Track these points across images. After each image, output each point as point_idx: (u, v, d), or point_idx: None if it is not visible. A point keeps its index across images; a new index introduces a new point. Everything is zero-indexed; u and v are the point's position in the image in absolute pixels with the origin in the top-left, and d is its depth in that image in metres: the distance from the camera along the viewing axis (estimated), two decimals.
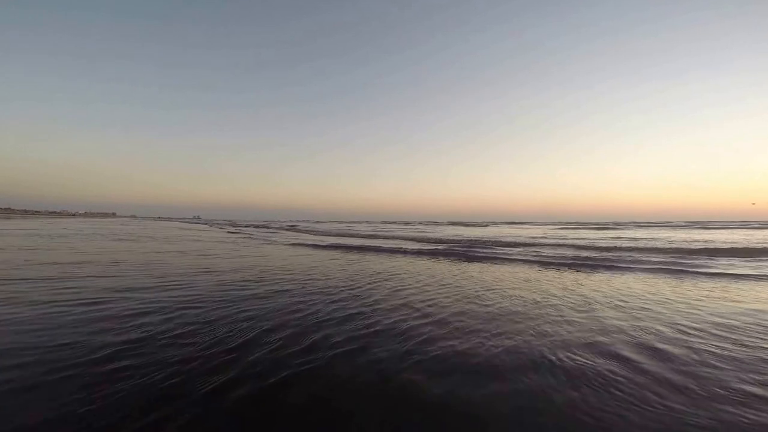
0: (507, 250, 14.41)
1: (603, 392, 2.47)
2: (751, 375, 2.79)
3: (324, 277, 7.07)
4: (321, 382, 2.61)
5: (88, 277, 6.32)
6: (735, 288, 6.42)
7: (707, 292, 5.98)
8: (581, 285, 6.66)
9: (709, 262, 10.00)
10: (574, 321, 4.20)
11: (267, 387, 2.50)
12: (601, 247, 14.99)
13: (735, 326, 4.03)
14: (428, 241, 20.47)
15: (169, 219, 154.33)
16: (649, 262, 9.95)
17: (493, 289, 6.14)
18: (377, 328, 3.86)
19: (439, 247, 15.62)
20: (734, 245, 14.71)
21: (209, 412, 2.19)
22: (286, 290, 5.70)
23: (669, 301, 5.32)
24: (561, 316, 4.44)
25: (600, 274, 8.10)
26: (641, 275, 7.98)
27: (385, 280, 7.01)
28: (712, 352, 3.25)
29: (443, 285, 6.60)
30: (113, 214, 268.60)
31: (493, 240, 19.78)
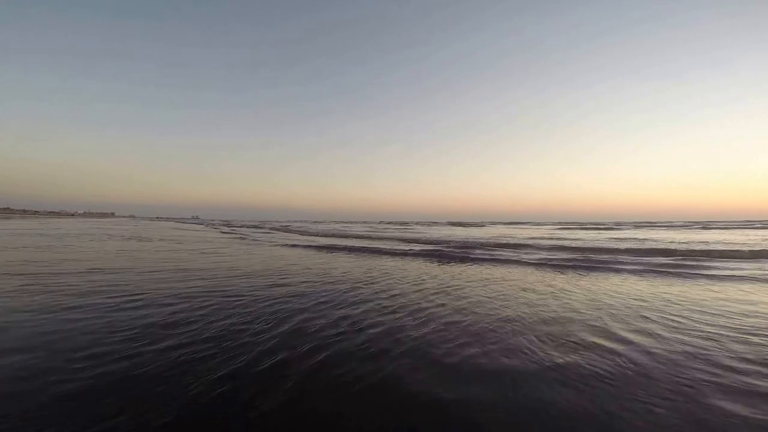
0: (491, 251, 14.01)
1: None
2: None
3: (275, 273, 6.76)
4: None
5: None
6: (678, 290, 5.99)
7: (668, 293, 5.56)
8: (534, 286, 6.25)
9: (685, 262, 9.61)
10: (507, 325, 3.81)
11: None
12: (585, 248, 14.57)
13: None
14: (409, 241, 20.10)
15: (168, 219, 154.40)
16: (640, 264, 9.55)
17: (449, 288, 5.76)
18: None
19: (415, 248, 15.24)
20: (708, 247, 14.27)
21: None
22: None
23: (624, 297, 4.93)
24: (507, 318, 4.03)
25: (565, 275, 7.70)
26: (626, 277, 7.57)
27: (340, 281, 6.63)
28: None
29: (393, 282, 6.26)
30: (112, 214, 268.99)
31: (482, 241, 19.41)
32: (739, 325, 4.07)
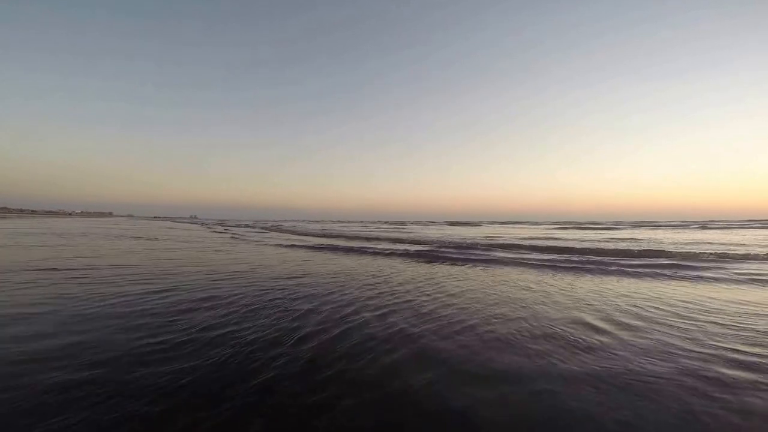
0: (472, 251, 13.92)
1: None
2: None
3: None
4: None
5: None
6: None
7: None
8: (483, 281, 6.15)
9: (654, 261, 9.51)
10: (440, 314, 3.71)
11: None
12: (563, 247, 14.47)
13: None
14: (394, 240, 20.02)
15: (165, 218, 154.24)
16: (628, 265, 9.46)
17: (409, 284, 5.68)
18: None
19: (399, 248, 15.15)
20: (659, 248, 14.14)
21: None
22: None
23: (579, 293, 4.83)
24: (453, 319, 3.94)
25: (524, 274, 7.61)
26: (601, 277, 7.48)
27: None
28: None
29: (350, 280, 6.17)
30: (110, 214, 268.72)
31: (469, 241, 19.32)
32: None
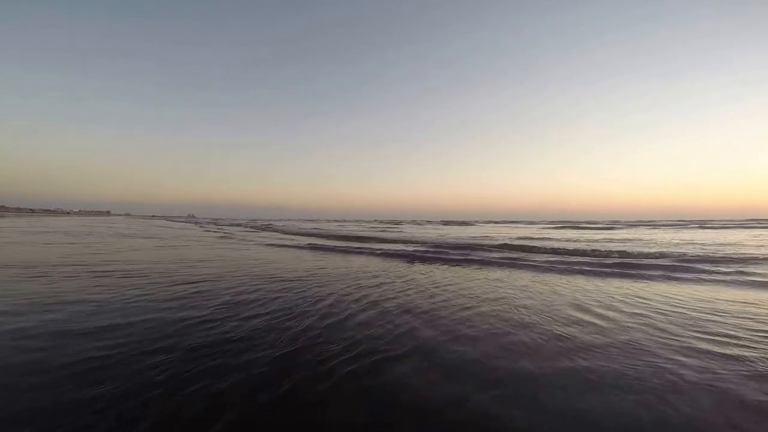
0: (445, 252, 14.22)
1: None
2: None
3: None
4: None
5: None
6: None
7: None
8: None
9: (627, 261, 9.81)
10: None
11: None
12: (522, 246, 14.78)
13: None
14: (381, 240, 20.32)
15: (162, 217, 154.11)
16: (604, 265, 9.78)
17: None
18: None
19: (380, 248, 15.45)
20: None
21: None
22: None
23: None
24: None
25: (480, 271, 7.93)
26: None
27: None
28: None
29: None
30: (108, 213, 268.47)
31: (452, 241, 19.62)
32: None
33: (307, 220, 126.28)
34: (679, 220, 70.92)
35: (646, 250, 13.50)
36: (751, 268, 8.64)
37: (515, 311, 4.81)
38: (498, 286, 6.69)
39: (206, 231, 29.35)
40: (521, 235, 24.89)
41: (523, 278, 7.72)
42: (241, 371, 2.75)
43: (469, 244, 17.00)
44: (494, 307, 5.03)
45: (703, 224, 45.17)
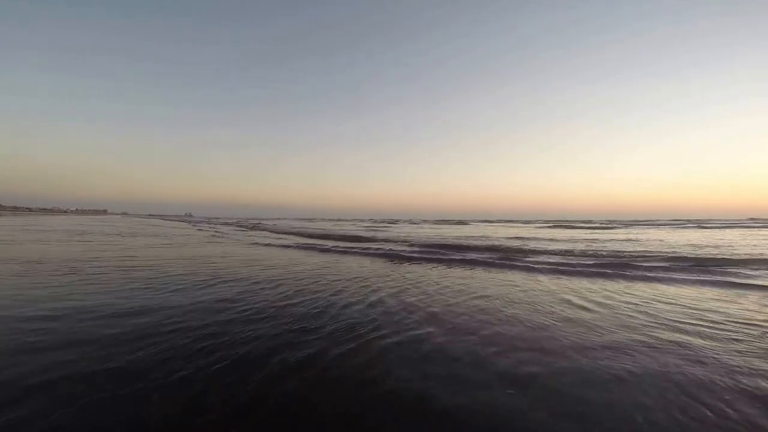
0: (430, 251, 13.96)
1: None
2: None
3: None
4: None
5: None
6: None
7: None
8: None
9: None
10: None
11: None
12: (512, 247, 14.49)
13: None
14: (368, 239, 20.06)
15: (159, 216, 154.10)
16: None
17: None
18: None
19: (359, 247, 15.19)
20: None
21: None
22: None
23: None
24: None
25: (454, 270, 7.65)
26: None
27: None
28: None
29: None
30: (104, 211, 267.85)
31: (439, 240, 19.38)
32: None
33: (305, 219, 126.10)
34: (677, 220, 70.69)
35: (628, 249, 13.23)
36: (731, 269, 8.48)
37: (476, 310, 4.75)
38: (467, 284, 6.69)
39: (199, 230, 29.67)
40: (513, 235, 24.61)
41: (487, 276, 7.64)
42: None
43: (454, 243, 16.70)
44: (452, 308, 4.89)
45: (701, 224, 44.95)
